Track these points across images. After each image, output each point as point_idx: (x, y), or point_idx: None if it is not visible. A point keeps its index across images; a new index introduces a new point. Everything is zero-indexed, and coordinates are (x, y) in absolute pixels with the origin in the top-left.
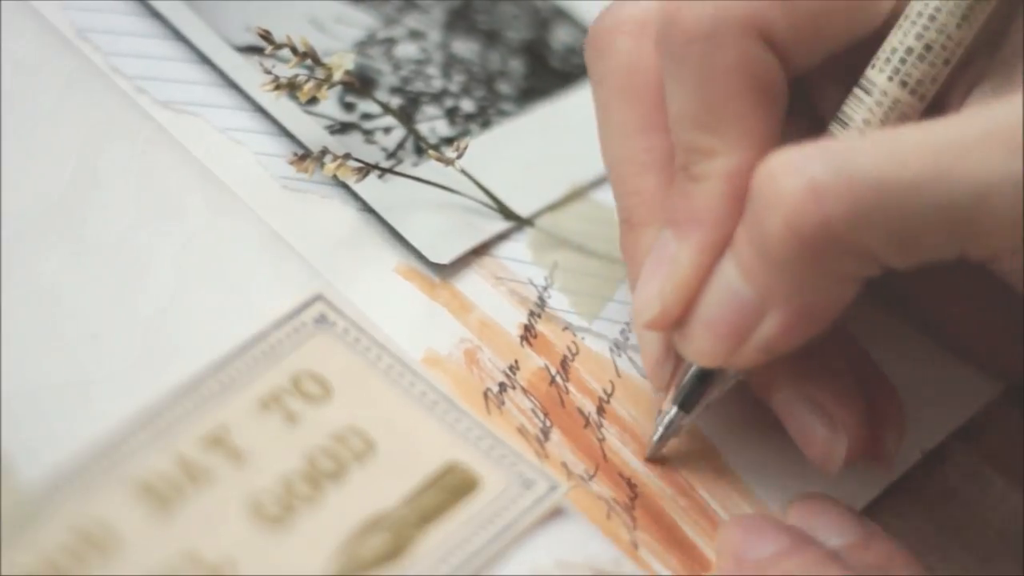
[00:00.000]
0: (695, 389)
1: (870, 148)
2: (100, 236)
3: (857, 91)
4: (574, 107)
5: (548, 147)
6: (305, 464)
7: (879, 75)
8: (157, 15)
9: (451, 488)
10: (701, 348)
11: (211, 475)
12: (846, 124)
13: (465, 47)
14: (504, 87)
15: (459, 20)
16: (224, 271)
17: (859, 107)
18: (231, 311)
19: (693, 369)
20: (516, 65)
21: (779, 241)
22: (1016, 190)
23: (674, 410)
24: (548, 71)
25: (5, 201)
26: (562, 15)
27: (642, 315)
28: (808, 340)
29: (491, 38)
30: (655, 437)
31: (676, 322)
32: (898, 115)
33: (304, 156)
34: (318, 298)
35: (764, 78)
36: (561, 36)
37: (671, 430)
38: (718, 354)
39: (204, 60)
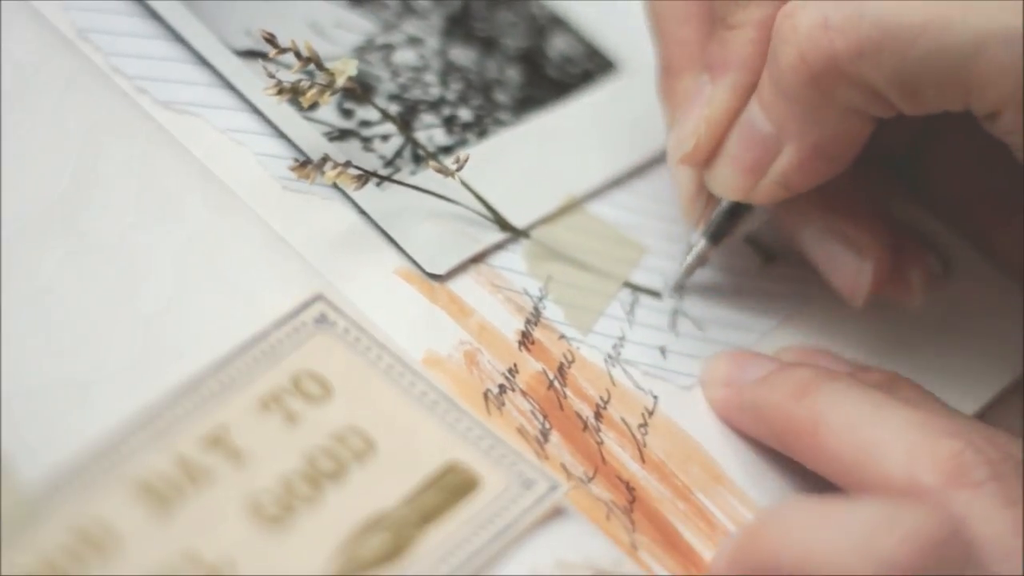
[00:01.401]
0: (724, 223)
1: None
2: (100, 236)
3: None
4: (570, 117)
5: (544, 158)
6: (305, 464)
7: None
8: (157, 16)
9: (451, 488)
10: (725, 181)
11: (211, 475)
12: None
13: (463, 54)
14: (501, 96)
15: (457, 27)
16: (224, 271)
17: None
18: (231, 311)
19: (723, 204)
20: (513, 74)
21: (791, 72)
22: (1012, 43)
23: (703, 241)
24: (544, 80)
25: (5, 201)
26: (559, 23)
27: (678, 151)
28: (825, 178)
29: (488, 46)
30: (683, 265)
31: (708, 157)
32: None
33: (305, 163)
34: (318, 298)
35: None
36: (558, 45)
37: (698, 260)
38: (740, 187)
39: (204, 61)
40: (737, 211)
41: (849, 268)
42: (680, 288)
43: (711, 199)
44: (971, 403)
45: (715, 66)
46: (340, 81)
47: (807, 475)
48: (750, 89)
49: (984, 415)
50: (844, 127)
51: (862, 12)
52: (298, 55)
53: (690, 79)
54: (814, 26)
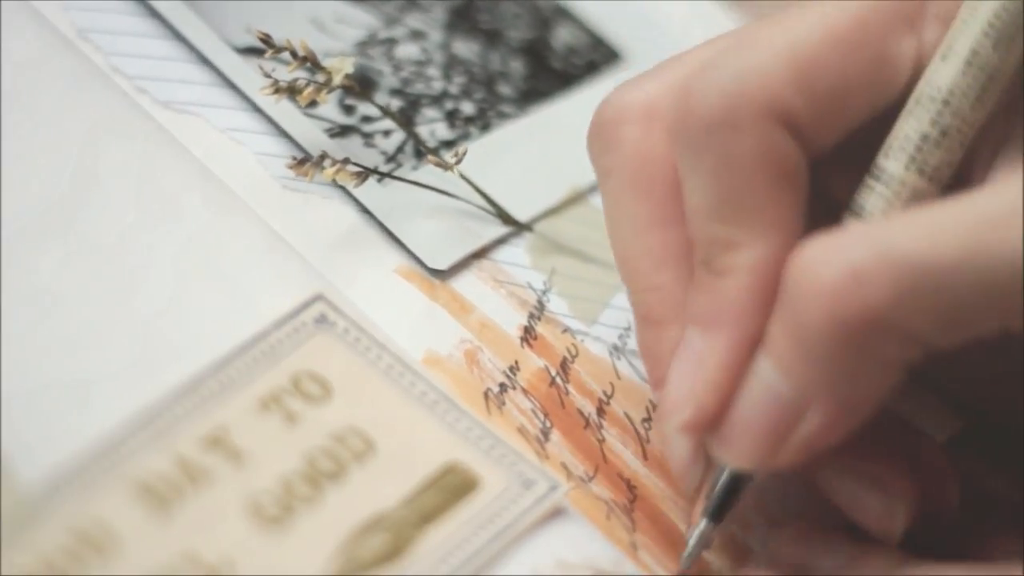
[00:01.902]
0: (727, 498)
1: (906, 229)
2: (100, 236)
3: (870, 181)
4: (574, 109)
5: (548, 150)
6: (305, 464)
7: (894, 164)
8: (158, 15)
9: (451, 488)
10: (740, 451)
11: (210, 475)
12: (861, 215)
13: (466, 47)
14: (504, 88)
15: (460, 20)
16: (224, 271)
17: (874, 197)
18: (231, 311)
19: (724, 477)
20: (517, 66)
21: (820, 331)
22: None
23: (704, 522)
24: (549, 72)
25: (5, 201)
26: (564, 14)
27: (674, 418)
28: (852, 431)
29: (492, 38)
30: (686, 553)
31: (711, 424)
32: (915, 202)
33: (303, 160)
34: (318, 298)
35: (786, 164)
36: (563, 36)
37: (703, 543)
38: (758, 456)
39: (204, 60)
40: (739, 480)
41: (877, 510)
42: (694, 561)
43: (710, 466)
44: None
45: (705, 319)
46: (337, 79)
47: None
48: (752, 343)
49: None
50: (877, 380)
51: (894, 255)
52: (294, 54)
53: (676, 331)
54: (841, 277)
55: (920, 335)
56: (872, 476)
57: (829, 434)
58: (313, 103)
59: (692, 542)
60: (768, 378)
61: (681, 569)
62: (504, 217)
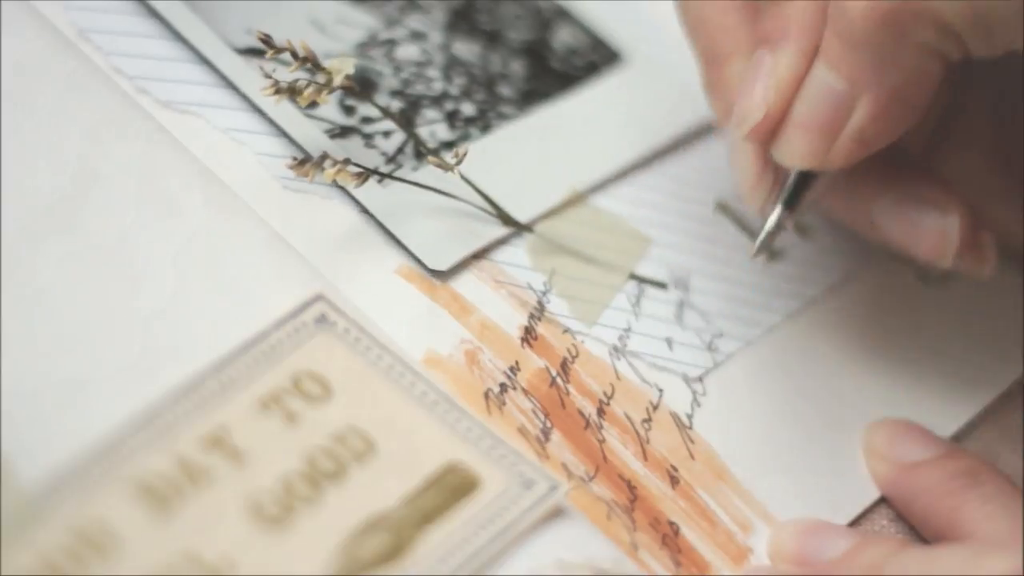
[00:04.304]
0: (799, 187)
1: None
2: (100, 236)
3: None
4: (574, 109)
5: (548, 151)
6: (305, 464)
7: None
8: (158, 15)
9: (451, 488)
10: (799, 148)
11: (211, 475)
12: None
13: (466, 48)
14: (505, 89)
15: (461, 21)
16: (224, 271)
17: None
18: (231, 311)
19: (793, 173)
20: (517, 67)
21: (863, 18)
22: None
23: (779, 208)
24: (549, 73)
25: (5, 201)
26: (564, 15)
27: (746, 123)
28: (901, 129)
29: (492, 39)
30: (762, 234)
31: (777, 127)
32: None
33: (304, 161)
34: (319, 298)
35: None
36: (563, 37)
37: (777, 227)
38: (815, 152)
39: (205, 61)
40: (805, 180)
41: (934, 227)
42: (765, 250)
43: (776, 181)
44: (971, 406)
45: (774, 37)
46: (338, 80)
47: (807, 475)
48: (813, 55)
49: (984, 417)
50: (918, 68)
51: None
52: (295, 55)
53: (740, 63)
54: None
55: (954, 25)
56: (928, 198)
57: (879, 124)
58: (313, 104)
59: (769, 224)
60: (821, 76)
61: (754, 252)
62: (504, 218)
